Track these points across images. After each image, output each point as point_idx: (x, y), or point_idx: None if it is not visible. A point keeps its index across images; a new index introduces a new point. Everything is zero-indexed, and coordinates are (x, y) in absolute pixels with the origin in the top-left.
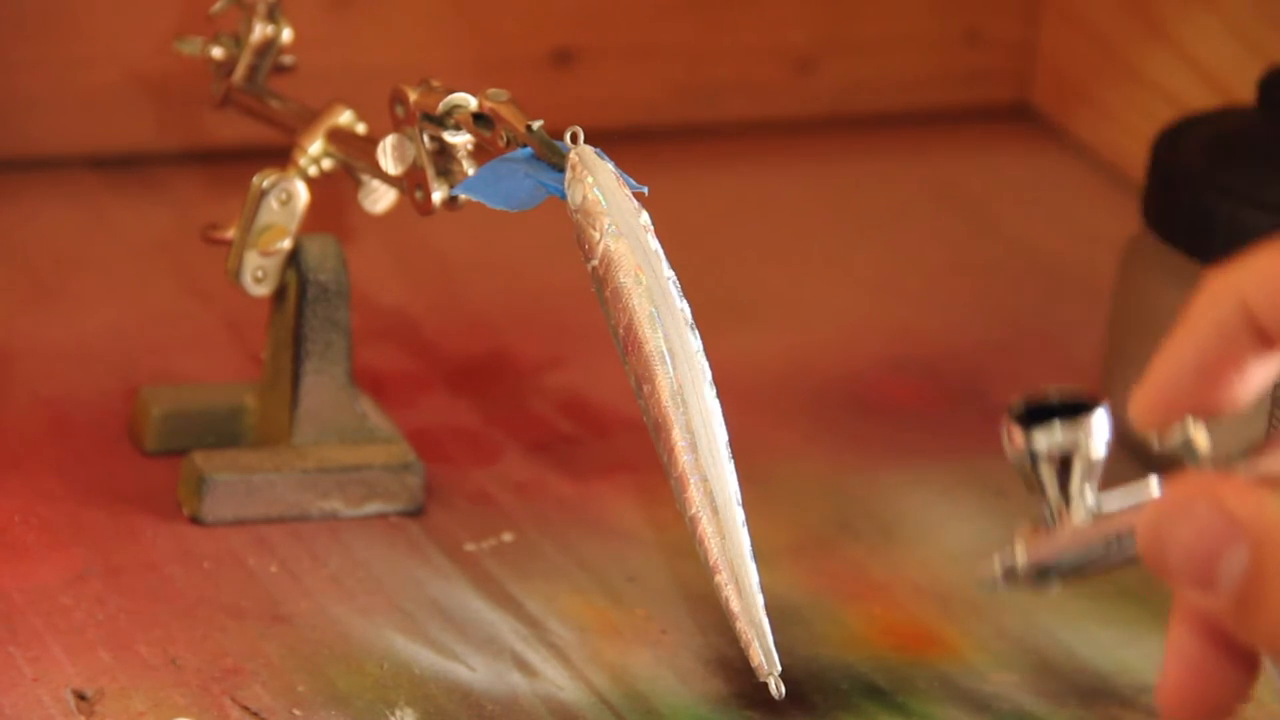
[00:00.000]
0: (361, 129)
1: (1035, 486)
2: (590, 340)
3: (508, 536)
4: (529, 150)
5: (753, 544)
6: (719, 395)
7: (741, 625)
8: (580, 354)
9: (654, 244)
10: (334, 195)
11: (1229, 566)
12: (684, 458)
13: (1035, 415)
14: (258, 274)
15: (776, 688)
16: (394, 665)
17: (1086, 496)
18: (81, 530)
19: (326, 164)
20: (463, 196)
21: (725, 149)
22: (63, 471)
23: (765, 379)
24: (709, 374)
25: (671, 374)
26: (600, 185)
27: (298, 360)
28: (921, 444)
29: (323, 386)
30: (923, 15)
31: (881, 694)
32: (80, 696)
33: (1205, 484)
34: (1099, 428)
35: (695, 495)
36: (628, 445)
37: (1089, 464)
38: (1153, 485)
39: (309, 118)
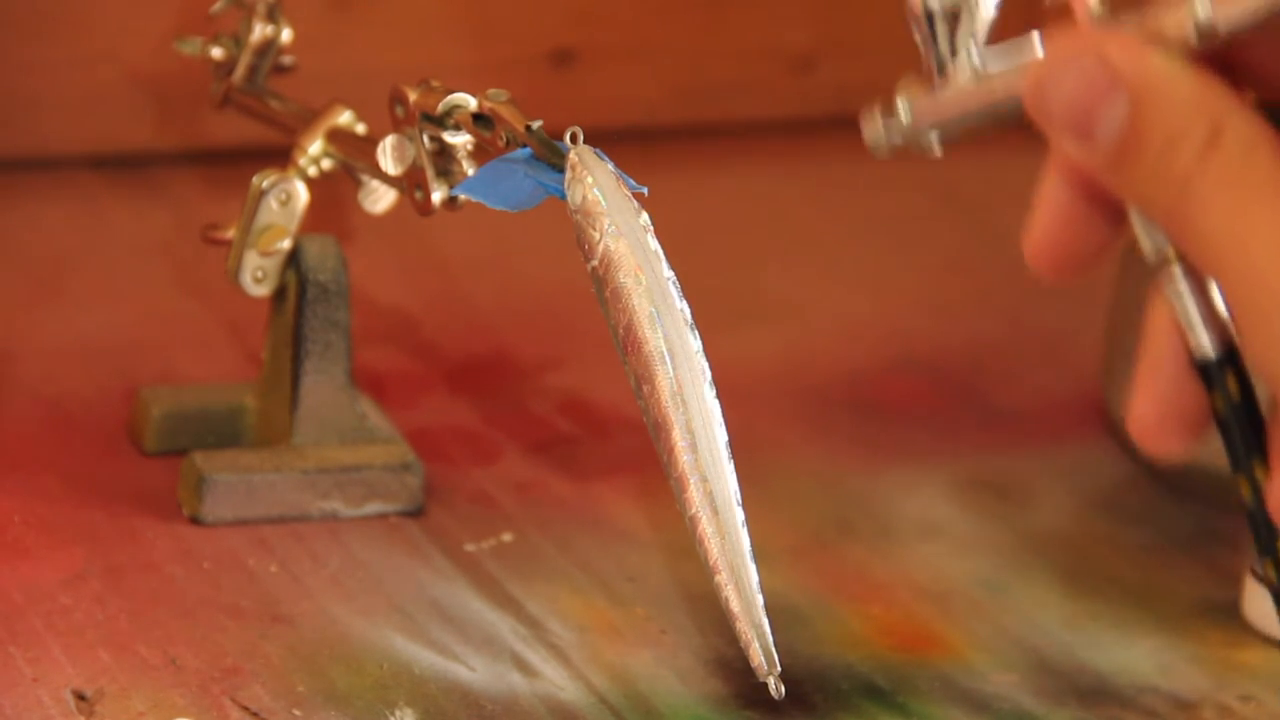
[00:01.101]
0: (361, 129)
1: (926, 39)
2: (590, 340)
3: (508, 537)
4: (529, 150)
5: (753, 544)
6: (719, 395)
7: (741, 625)
8: (580, 354)
9: (654, 244)
10: (334, 195)
11: (1108, 118)
12: (684, 458)
13: None
14: (257, 274)
15: (776, 688)
16: (394, 665)
17: (973, 54)
18: (81, 530)
19: (326, 164)
20: (462, 196)
21: (725, 149)
22: (63, 471)
23: (765, 379)
24: (709, 374)
25: (671, 374)
26: (600, 185)
27: (297, 360)
28: (921, 444)
29: (322, 387)
30: None
31: (881, 694)
32: (80, 696)
33: (1091, 38)
34: None
35: (695, 495)
36: (628, 445)
37: (975, 20)
38: (1035, 43)
39: (309, 118)
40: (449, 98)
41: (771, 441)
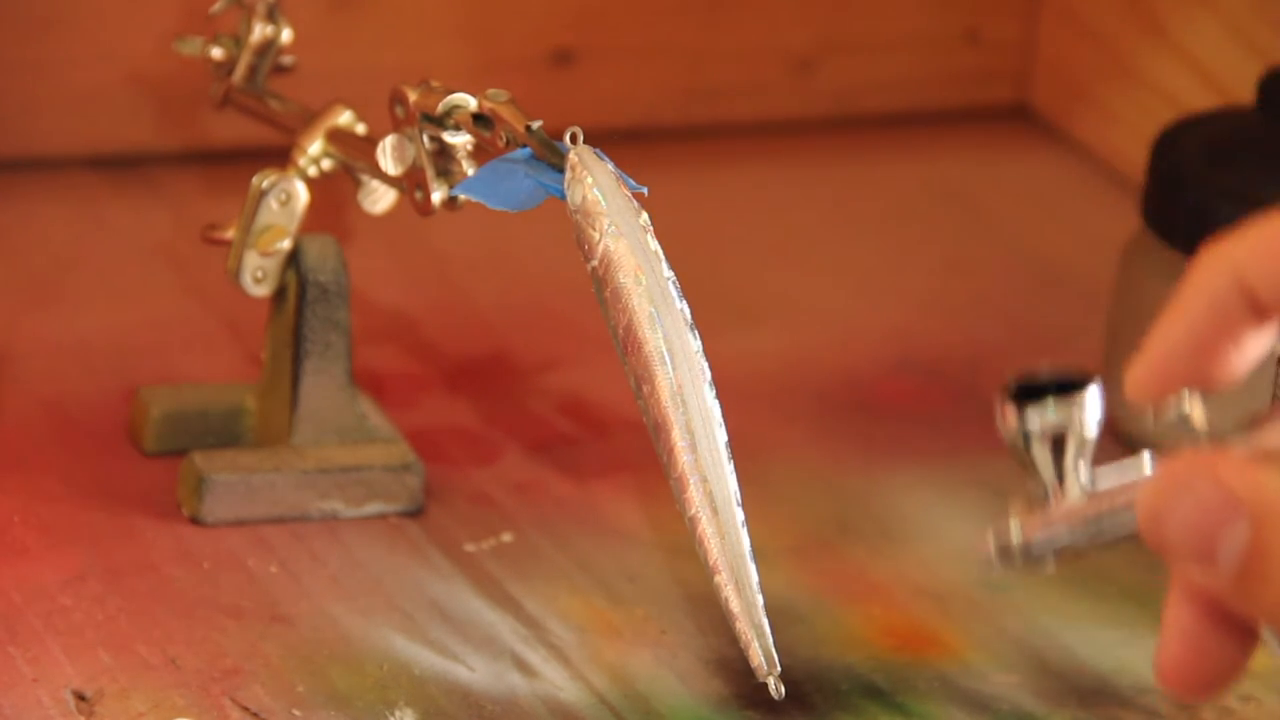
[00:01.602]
0: (361, 129)
1: (1029, 465)
2: (590, 340)
3: (507, 537)
4: (528, 150)
5: (753, 544)
6: (719, 395)
7: (741, 625)
8: (580, 354)
9: (654, 244)
10: (334, 195)
11: (1229, 543)
12: (684, 458)
13: (1029, 393)
14: (257, 274)
15: (776, 688)
16: (393, 666)
17: (1081, 474)
18: (81, 530)
19: (326, 164)
20: (462, 197)
21: (725, 149)
22: (62, 471)
23: (765, 379)
24: (709, 374)
25: (671, 374)
26: (600, 185)
27: (297, 360)
28: (921, 444)
29: (322, 387)
30: (922, 15)
31: (881, 694)
32: (80, 697)
33: (1203, 460)
34: (1092, 404)
35: (695, 495)
36: (628, 445)
37: (1082, 441)
38: (1146, 461)
39: (309, 118)
40: (449, 98)
41: (771, 442)
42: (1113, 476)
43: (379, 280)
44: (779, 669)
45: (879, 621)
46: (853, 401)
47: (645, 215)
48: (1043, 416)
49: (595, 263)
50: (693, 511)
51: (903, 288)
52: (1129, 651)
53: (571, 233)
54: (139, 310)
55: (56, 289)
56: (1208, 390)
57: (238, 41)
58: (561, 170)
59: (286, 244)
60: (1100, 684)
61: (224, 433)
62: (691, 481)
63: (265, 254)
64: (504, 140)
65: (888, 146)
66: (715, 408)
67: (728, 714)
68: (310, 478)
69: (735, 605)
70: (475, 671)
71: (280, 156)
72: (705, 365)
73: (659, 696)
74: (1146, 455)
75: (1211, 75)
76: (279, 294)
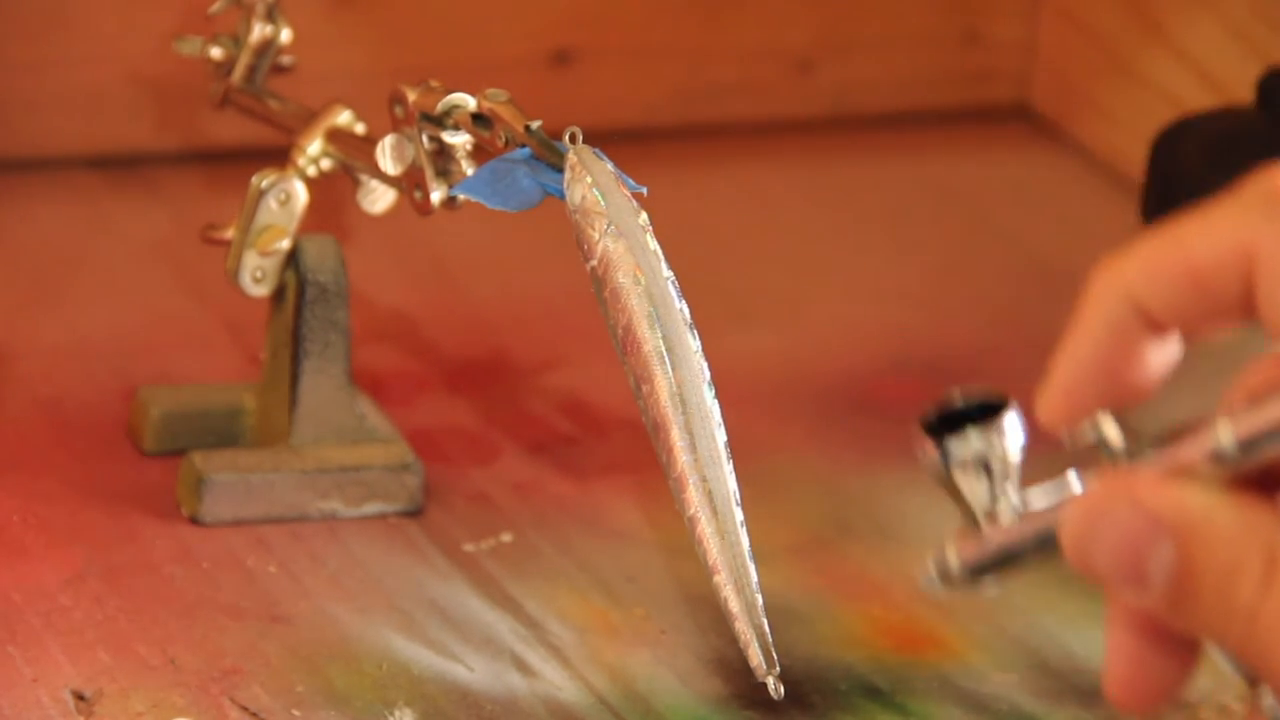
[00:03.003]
0: (360, 129)
1: (956, 494)
2: (590, 340)
3: (506, 537)
4: (528, 150)
5: (752, 544)
6: (718, 395)
7: (740, 625)
8: (580, 354)
9: (653, 244)
10: (333, 195)
11: (1157, 564)
12: (683, 458)
13: (946, 423)
14: (257, 274)
15: (775, 688)
16: (393, 665)
17: (1010, 496)
18: (81, 530)
19: (325, 164)
20: (462, 197)
21: (725, 149)
22: (62, 471)
23: (765, 379)
24: (708, 374)
25: (670, 374)
26: (599, 185)
27: (297, 360)
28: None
29: (322, 387)
30: (922, 15)
31: (880, 694)
32: (79, 697)
33: (1121, 483)
34: (1012, 429)
35: (694, 495)
36: (627, 445)
37: (1006, 465)
38: (1073, 480)
39: (308, 118)
40: (448, 98)
41: (771, 442)
42: (1042, 495)
43: (379, 280)
44: (778, 669)
45: (878, 621)
46: (852, 401)
47: (645, 215)
48: (964, 446)
49: (595, 263)
50: (692, 511)
51: (903, 288)
52: None
53: (571, 233)
54: (139, 310)
55: (56, 289)
56: (1119, 408)
57: (237, 41)
58: (561, 170)
59: (286, 244)
60: (1099, 684)
61: (223, 433)
62: (691, 481)
63: (265, 254)
64: (503, 140)
65: (888, 146)
66: (714, 408)
67: (727, 714)
68: (309, 478)
69: (735, 605)
70: (474, 671)
71: (280, 156)
72: (705, 365)
73: (658, 696)
74: (1072, 474)
75: (1211, 75)
76: (278, 294)
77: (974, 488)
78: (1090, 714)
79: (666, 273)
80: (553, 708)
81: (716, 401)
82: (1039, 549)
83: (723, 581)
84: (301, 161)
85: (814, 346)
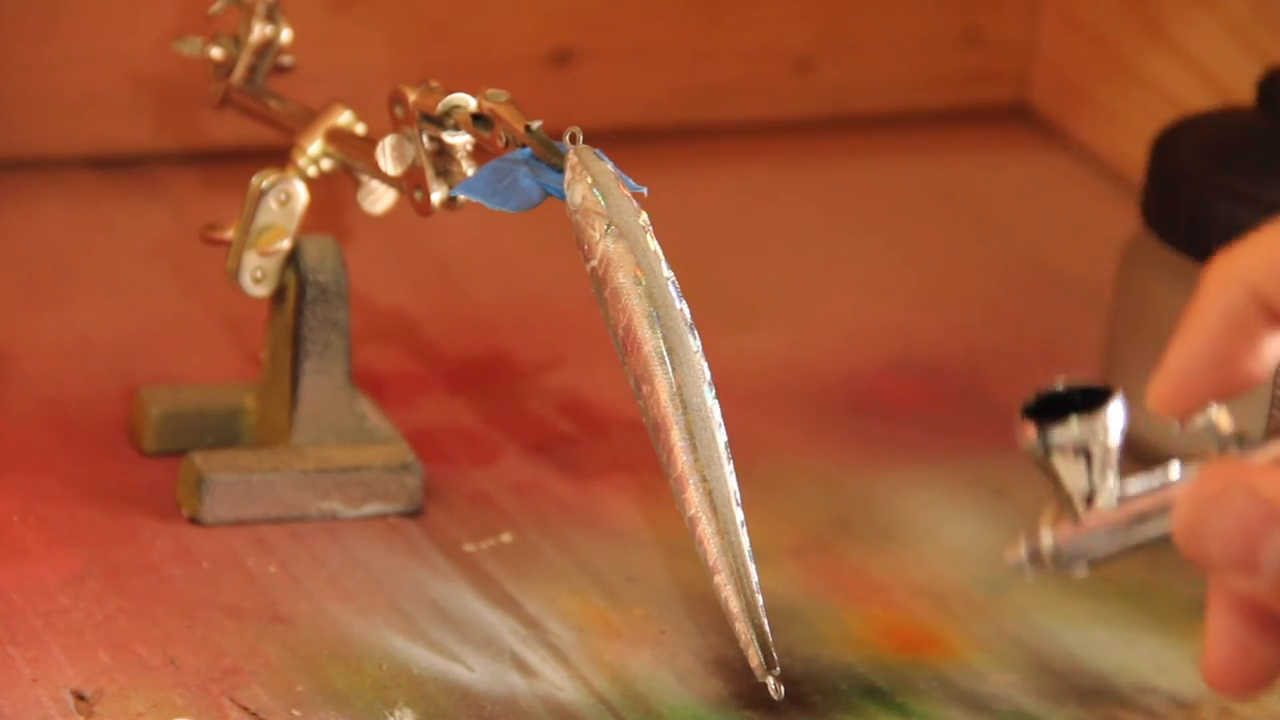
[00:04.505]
0: (361, 129)
1: (1055, 478)
2: (590, 340)
3: (506, 537)
4: (528, 150)
5: (752, 544)
6: (718, 396)
7: (741, 625)
8: (580, 354)
9: (653, 244)
10: (333, 195)
11: (1271, 551)
12: (683, 458)
13: (1047, 408)
14: (257, 274)
15: (775, 688)
16: (393, 666)
17: (1109, 483)
18: (81, 530)
19: (326, 164)
20: (462, 197)
21: (725, 149)
22: (62, 471)
23: (765, 379)
24: (708, 374)
25: (670, 374)
26: (599, 186)
27: (297, 361)
28: (921, 444)
29: (322, 387)
30: (922, 15)
31: (881, 694)
32: (79, 697)
33: (1236, 471)
34: (1114, 417)
35: (694, 495)
36: (627, 445)
37: (1107, 453)
38: (1174, 469)
39: (308, 118)
40: (448, 98)
41: (771, 442)
42: (1141, 485)
43: (379, 280)
44: (778, 669)
45: (879, 621)
46: (852, 401)
47: (645, 215)
48: (1065, 433)
49: (595, 263)
50: (692, 511)
51: (903, 288)
52: (1129, 651)
53: (571, 233)
54: (139, 310)
55: (56, 289)
56: (1229, 398)
57: (237, 42)
58: (561, 170)
59: (286, 244)
60: (1100, 684)
61: (223, 433)
62: (691, 481)
63: (265, 254)
64: (503, 140)
65: (888, 146)
66: (715, 408)
67: (727, 714)
68: (309, 478)
69: (735, 605)
70: (475, 671)
71: (280, 156)
72: (704, 365)
73: (658, 696)
74: (1175, 463)
75: (1211, 75)
76: (278, 294)
77: (1072, 473)
78: (1091, 714)
79: (667, 273)
80: (553, 708)
81: (717, 402)
82: (1138, 536)
83: (723, 581)
84: (302, 161)
85: (814, 346)
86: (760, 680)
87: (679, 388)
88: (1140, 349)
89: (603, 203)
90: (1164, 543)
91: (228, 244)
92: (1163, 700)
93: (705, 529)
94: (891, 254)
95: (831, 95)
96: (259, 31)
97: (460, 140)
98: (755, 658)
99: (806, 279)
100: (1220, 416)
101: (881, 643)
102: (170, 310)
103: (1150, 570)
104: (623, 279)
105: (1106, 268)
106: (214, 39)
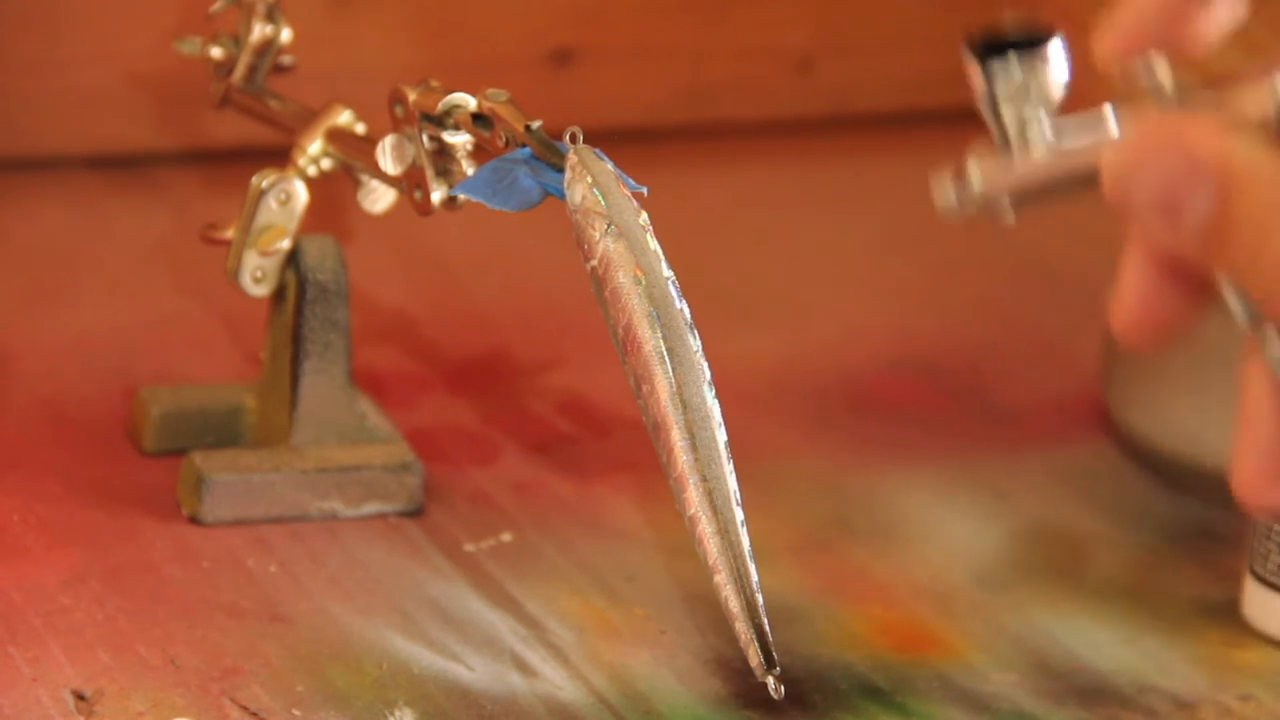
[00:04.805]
0: (361, 129)
1: (994, 116)
2: (590, 340)
3: (507, 537)
4: (528, 150)
5: (752, 544)
6: (718, 395)
7: (741, 625)
8: (580, 354)
9: (653, 244)
10: (333, 195)
11: (1194, 208)
12: (683, 458)
13: (994, 48)
14: (257, 274)
15: (775, 687)
16: (393, 665)
17: (1044, 127)
18: (81, 530)
19: (326, 164)
20: (462, 196)
21: (725, 149)
22: (62, 471)
23: (765, 379)
24: (708, 374)
25: (671, 374)
26: (599, 185)
27: (297, 360)
28: (921, 444)
29: (322, 386)
30: (923, 15)
31: (881, 694)
32: (79, 696)
33: (1171, 125)
34: (1056, 59)
35: (694, 495)
36: (627, 445)
37: (1045, 96)
38: (1108, 116)
39: (308, 118)
40: (448, 98)
41: (771, 441)
42: (1075, 129)
43: (379, 280)
44: (778, 668)
45: (879, 621)
46: (851, 401)
47: (645, 215)
48: (1006, 70)
49: (595, 263)
50: (692, 511)
51: (903, 288)
52: (1129, 651)
53: (571, 233)
54: (139, 310)
55: (56, 289)
56: (1176, 54)
57: (237, 41)
58: (561, 170)
59: (286, 244)
60: (1100, 684)
61: (223, 432)
62: (691, 481)
63: (265, 254)
64: (503, 140)
65: (888, 146)
66: (715, 408)
67: (727, 713)
68: (309, 478)
69: (735, 605)
70: (475, 671)
71: (280, 156)
72: (704, 365)
73: (658, 696)
74: (1108, 109)
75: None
76: (278, 294)
77: (1009, 112)
78: (1091, 714)
79: (667, 273)
80: (553, 708)
81: (717, 401)
82: (1065, 180)
83: (723, 581)
84: (302, 161)
85: (814, 346)
86: (760, 680)
87: (679, 387)
88: (1140, 349)
89: (603, 202)
90: (1090, 186)
91: (228, 244)
92: (1163, 700)
93: (705, 528)
94: (892, 254)
95: (831, 95)
96: (259, 31)
97: (460, 140)
98: (755, 657)
99: (806, 279)
100: (1160, 66)
101: (881, 642)
102: (170, 310)
103: (1150, 570)
104: (623, 279)
105: (1106, 268)
106: (214, 39)
